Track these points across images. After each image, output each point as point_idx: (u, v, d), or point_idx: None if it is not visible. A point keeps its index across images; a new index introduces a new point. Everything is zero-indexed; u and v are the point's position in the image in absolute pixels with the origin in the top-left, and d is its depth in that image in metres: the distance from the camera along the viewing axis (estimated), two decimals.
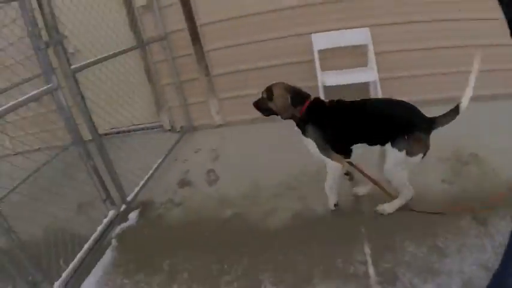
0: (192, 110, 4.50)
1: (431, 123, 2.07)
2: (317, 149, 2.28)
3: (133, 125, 4.74)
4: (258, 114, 2.51)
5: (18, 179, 3.24)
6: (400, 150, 2.09)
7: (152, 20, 4.11)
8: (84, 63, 2.67)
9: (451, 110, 2.04)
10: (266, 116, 2.50)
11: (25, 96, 2.14)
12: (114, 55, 3.10)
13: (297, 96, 2.31)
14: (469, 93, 1.98)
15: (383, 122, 2.13)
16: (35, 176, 3.63)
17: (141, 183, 3.25)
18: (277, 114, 2.40)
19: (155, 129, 4.80)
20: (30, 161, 2.93)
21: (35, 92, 2.21)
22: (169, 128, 4.67)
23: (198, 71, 4.23)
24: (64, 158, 3.84)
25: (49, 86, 2.36)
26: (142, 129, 4.84)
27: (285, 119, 2.36)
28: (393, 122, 2.11)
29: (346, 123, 2.22)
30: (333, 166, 2.31)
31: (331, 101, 2.33)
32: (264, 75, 3.69)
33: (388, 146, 2.14)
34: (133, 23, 4.10)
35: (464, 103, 2.00)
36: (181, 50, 4.20)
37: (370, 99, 2.64)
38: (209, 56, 4.15)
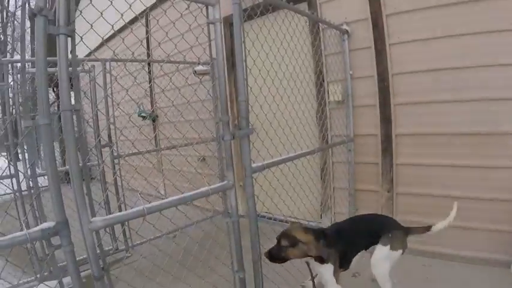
0: None
1: (408, 229, 2.62)
2: (332, 273, 2.36)
3: (292, 217, 4.43)
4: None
5: (159, 231, 3.06)
6: (385, 245, 2.50)
7: (342, 118, 3.86)
8: (266, 162, 2.42)
9: (424, 226, 2.62)
10: (280, 263, 2.43)
11: (198, 191, 1.99)
12: (297, 156, 2.87)
13: (319, 232, 2.42)
14: (446, 222, 2.59)
15: (375, 229, 2.57)
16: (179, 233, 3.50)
17: None
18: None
19: None
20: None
21: (206, 188, 2.01)
22: None
23: (379, 184, 3.70)
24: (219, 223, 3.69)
25: (223, 183, 2.18)
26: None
27: (314, 256, 2.35)
28: (382, 227, 2.58)
29: (354, 239, 2.54)
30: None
31: (332, 226, 2.76)
32: (460, 207, 3.00)
33: (378, 245, 2.52)
34: (321, 121, 3.90)
35: (437, 226, 2.59)
36: (366, 157, 3.78)
37: (358, 216, 3.10)
38: (397, 170, 3.60)
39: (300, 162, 3.29)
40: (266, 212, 3.78)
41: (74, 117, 1.41)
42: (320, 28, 3.91)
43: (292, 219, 4.28)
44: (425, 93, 3.33)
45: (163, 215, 1.91)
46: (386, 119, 3.56)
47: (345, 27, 3.68)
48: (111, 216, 1.51)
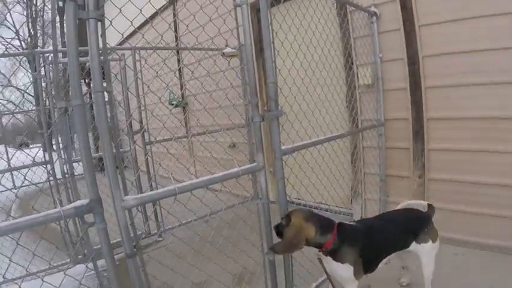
0: (389, 208, 3.83)
1: (430, 213, 2.56)
2: (352, 273, 2.18)
3: (322, 203, 4.42)
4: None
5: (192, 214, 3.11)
6: (426, 241, 2.39)
7: (372, 102, 3.79)
8: (296, 145, 2.41)
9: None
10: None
11: (227, 172, 2.02)
12: (328, 140, 2.83)
13: (323, 223, 2.20)
14: None
15: (410, 228, 2.41)
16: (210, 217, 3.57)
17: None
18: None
19: (343, 215, 4.35)
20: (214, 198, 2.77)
21: (236, 169, 2.04)
22: (358, 219, 4.14)
23: (410, 169, 3.63)
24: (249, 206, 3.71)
25: (253, 165, 2.19)
26: (330, 210, 4.44)
27: (294, 251, 2.22)
28: (416, 224, 2.43)
29: (384, 239, 2.33)
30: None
31: (358, 222, 2.47)
32: (492, 194, 2.90)
33: (414, 245, 2.39)
34: (351, 104, 3.84)
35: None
36: (397, 142, 3.70)
37: (387, 214, 2.79)
38: (429, 156, 3.50)
39: (330, 146, 3.27)
40: (296, 198, 3.79)
41: (106, 97, 1.45)
42: (348, 10, 3.83)
43: (323, 205, 4.34)
44: (458, 76, 3.21)
45: (195, 195, 1.95)
46: (417, 103, 3.47)
47: (373, 9, 3.59)
48: (143, 194, 1.55)
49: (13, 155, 4.48)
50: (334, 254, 2.18)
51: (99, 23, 1.45)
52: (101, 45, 1.50)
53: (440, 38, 3.27)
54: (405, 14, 3.41)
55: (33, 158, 3.71)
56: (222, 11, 2.30)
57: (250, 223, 2.76)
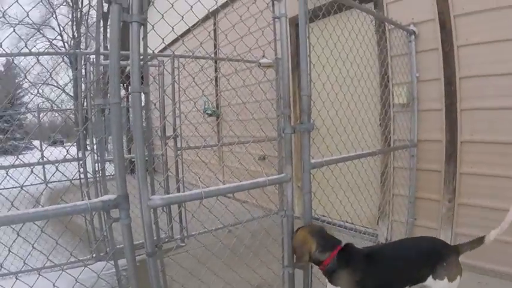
0: (416, 232, 3.77)
1: (459, 248, 2.21)
2: None
3: (348, 222, 4.36)
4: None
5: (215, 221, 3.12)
6: (442, 278, 2.12)
7: (406, 122, 3.73)
8: (326, 159, 2.41)
9: (476, 239, 2.22)
10: None
11: (254, 180, 2.06)
12: (358, 156, 2.82)
13: (326, 241, 2.14)
14: (500, 229, 2.17)
15: (422, 258, 2.15)
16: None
17: None
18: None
19: (368, 235, 4.26)
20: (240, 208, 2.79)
21: (263, 179, 2.07)
22: (383, 240, 4.06)
23: (440, 192, 3.53)
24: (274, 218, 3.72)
25: (281, 175, 2.20)
26: (355, 230, 4.36)
27: (300, 263, 2.18)
28: (430, 255, 2.17)
29: (389, 269, 2.14)
30: None
31: (364, 248, 2.26)
32: None
33: (430, 280, 2.13)
34: (384, 123, 3.80)
35: (491, 235, 2.18)
36: (429, 163, 3.62)
37: (401, 242, 2.57)
38: (461, 180, 3.40)
39: (360, 163, 3.23)
40: (321, 215, 3.77)
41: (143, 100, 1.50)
42: (386, 28, 3.82)
43: (348, 224, 4.27)
44: (495, 99, 3.12)
45: (221, 201, 1.96)
46: (452, 125, 3.39)
47: (411, 27, 3.57)
48: (170, 195, 1.59)
49: (44, 149, 4.67)
50: (330, 275, 2.11)
51: (141, 26, 1.51)
52: (141, 48, 1.55)
53: (478, 59, 3.20)
54: (444, 34, 3.36)
55: (67, 153, 3.84)
56: (262, 24, 2.33)
57: (273, 235, 2.75)
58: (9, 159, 4.51)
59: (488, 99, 3.17)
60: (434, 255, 2.16)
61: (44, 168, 5.44)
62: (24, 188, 3.08)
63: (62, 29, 25.07)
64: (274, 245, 2.66)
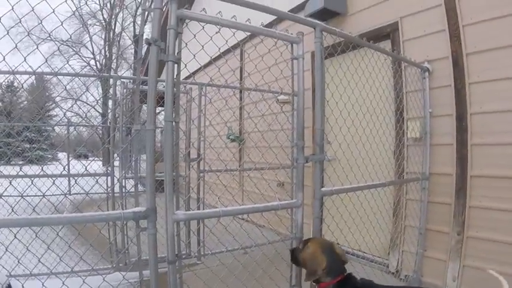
0: (425, 263, 3.85)
1: None
2: None
3: (359, 250, 4.46)
4: None
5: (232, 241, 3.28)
6: None
7: (418, 156, 3.86)
8: (336, 188, 2.60)
9: None
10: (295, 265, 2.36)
11: (268, 204, 2.23)
12: (368, 187, 2.99)
13: (334, 265, 2.10)
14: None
15: None
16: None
17: None
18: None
19: (378, 265, 4.35)
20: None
21: (276, 203, 2.26)
22: (394, 271, 4.13)
23: (450, 225, 3.61)
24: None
25: (292, 201, 2.39)
26: (366, 259, 4.46)
27: (307, 280, 2.14)
28: None
29: None
30: None
31: (363, 280, 2.17)
32: None
33: None
34: (398, 156, 3.94)
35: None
36: (439, 196, 3.72)
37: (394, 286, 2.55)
38: (470, 213, 3.48)
39: (371, 194, 3.36)
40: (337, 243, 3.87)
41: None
42: (401, 65, 3.99)
43: (358, 252, 4.37)
44: (504, 134, 3.25)
45: (238, 222, 2.14)
46: (462, 159, 3.51)
47: (426, 65, 3.74)
48: (192, 212, 1.80)
49: (68, 163, 4.94)
50: None
51: (175, 65, 1.75)
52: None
53: (489, 96, 3.33)
54: (457, 71, 3.52)
55: (86, 167, 4.05)
56: (281, 60, 2.57)
57: (283, 255, 2.88)
58: (33, 169, 4.79)
59: (498, 135, 3.29)
60: None
61: (69, 180, 5.71)
62: (45, 197, 3.27)
63: (93, 48, 26.08)
64: (283, 264, 2.79)
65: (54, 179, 3.63)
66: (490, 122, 3.35)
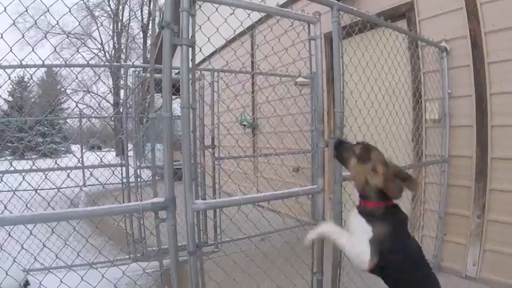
0: (445, 247, 3.79)
1: None
2: (366, 240, 1.72)
3: None
4: None
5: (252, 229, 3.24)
6: None
7: (438, 138, 3.77)
8: None
9: None
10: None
11: (290, 190, 2.17)
12: None
13: (393, 186, 1.80)
14: None
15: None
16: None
17: None
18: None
19: None
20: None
21: (297, 189, 2.20)
22: None
23: (470, 209, 3.54)
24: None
25: (313, 186, 2.34)
26: None
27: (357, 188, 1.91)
28: None
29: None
30: (362, 260, 1.72)
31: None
32: None
33: None
34: (416, 138, 3.87)
35: None
36: (459, 180, 3.64)
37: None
38: (491, 196, 3.40)
39: None
40: None
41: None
42: (419, 45, 3.89)
43: None
44: None
45: (257, 209, 2.10)
46: (482, 141, 3.42)
47: (443, 44, 3.63)
48: (211, 200, 1.75)
49: (82, 155, 4.96)
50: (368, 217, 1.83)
51: (190, 48, 1.69)
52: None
53: (508, 75, 3.23)
54: (475, 50, 3.41)
55: (101, 158, 4.03)
56: (297, 41, 2.49)
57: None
58: (47, 162, 4.79)
59: None
60: None
61: (83, 172, 5.72)
62: (60, 190, 3.28)
63: (103, 39, 26.09)
64: (304, 252, 2.76)
65: (68, 171, 3.60)
66: (510, 102, 3.24)
